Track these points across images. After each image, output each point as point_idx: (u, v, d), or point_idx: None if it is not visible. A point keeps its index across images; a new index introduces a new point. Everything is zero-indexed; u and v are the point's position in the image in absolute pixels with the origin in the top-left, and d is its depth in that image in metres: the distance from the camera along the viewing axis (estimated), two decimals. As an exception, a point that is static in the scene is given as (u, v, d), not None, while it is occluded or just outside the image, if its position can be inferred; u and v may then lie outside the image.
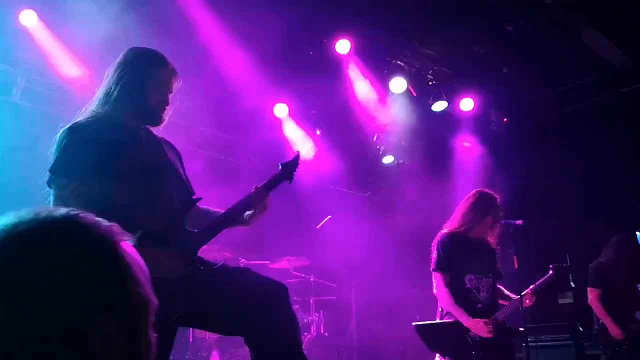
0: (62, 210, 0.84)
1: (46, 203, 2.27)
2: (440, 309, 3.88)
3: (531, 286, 3.98)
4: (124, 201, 2.22)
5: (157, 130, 2.59)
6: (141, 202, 2.26)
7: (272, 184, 2.56)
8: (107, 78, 2.48)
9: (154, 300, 0.88)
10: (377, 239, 6.86)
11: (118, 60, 2.49)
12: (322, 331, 6.24)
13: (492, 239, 4.14)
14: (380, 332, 6.61)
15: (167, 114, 2.52)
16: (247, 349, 2.27)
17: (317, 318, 6.27)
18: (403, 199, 7.28)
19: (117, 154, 2.27)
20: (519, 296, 3.89)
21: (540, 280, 4.00)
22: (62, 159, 2.24)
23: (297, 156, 2.69)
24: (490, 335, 3.65)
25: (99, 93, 2.46)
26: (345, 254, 6.46)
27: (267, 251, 6.23)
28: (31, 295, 0.75)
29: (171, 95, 2.52)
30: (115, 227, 0.87)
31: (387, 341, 6.65)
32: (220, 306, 2.19)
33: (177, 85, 2.54)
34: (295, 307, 2.71)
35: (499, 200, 4.18)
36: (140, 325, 0.84)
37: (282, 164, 2.62)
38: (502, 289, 4.13)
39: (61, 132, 2.30)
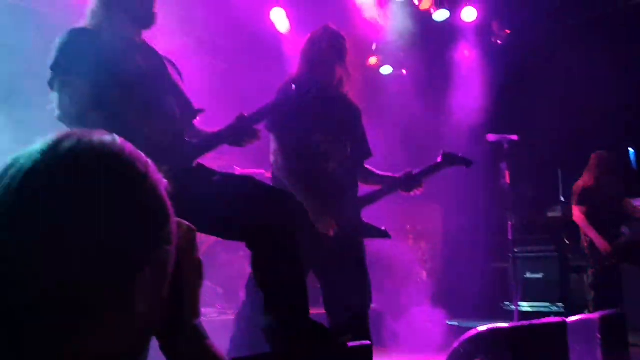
0: (105, 138, 0.74)
1: (43, 101, 2.28)
2: None
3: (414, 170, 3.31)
4: (119, 105, 2.22)
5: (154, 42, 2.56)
6: (139, 111, 2.26)
7: (284, 103, 2.52)
8: None
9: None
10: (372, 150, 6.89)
11: None
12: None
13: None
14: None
15: (157, 8, 2.48)
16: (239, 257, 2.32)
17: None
18: (400, 109, 7.24)
19: (115, 59, 2.26)
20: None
21: (425, 166, 3.34)
22: (63, 58, 2.24)
23: (317, 82, 2.59)
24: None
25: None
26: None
27: (265, 160, 6.22)
28: (68, 236, 0.66)
29: None
30: (151, 162, 0.79)
31: (373, 249, 6.83)
32: (220, 212, 2.21)
33: None
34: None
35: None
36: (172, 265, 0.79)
37: (296, 84, 2.55)
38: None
39: (63, 34, 2.30)
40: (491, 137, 4.83)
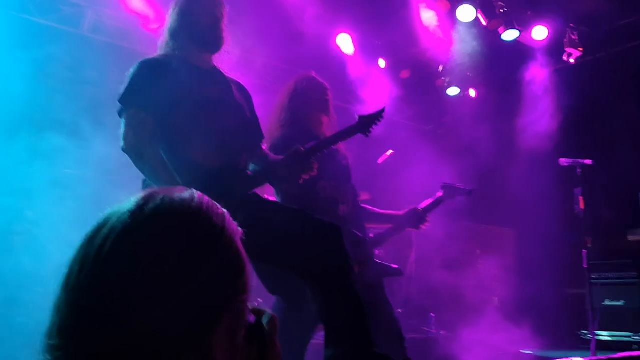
0: (185, 196, 0.81)
1: (117, 134, 2.38)
2: None
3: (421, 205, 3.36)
4: (182, 134, 2.29)
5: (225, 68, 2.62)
6: (197, 136, 2.32)
7: (345, 135, 2.50)
8: (169, 15, 2.56)
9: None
10: (439, 173, 6.78)
11: None
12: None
13: None
14: (437, 265, 6.64)
15: (224, 34, 2.54)
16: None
17: (377, 251, 6.35)
18: (467, 131, 7.11)
19: (181, 88, 2.35)
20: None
21: (429, 201, 3.41)
22: (130, 90, 2.34)
23: (382, 111, 2.53)
24: None
25: (164, 31, 2.55)
26: (406, 188, 6.43)
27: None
28: (157, 289, 0.71)
29: (220, 16, 2.54)
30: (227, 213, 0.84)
31: (443, 275, 6.69)
32: (276, 246, 2.22)
33: (221, 9, 2.54)
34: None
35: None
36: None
37: (360, 116, 2.52)
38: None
39: (134, 65, 2.40)
40: (563, 161, 4.67)
